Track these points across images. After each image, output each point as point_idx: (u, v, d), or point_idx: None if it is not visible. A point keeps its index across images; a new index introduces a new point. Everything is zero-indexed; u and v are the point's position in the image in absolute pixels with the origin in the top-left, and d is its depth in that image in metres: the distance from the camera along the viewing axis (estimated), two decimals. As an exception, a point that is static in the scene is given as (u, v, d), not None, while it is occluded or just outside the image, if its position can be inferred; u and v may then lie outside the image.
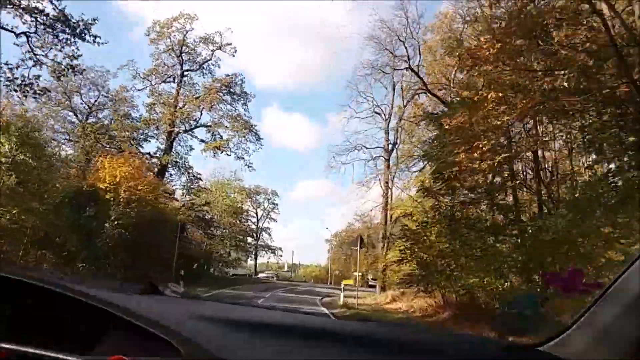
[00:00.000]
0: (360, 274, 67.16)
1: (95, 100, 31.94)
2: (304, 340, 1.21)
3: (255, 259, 68.47)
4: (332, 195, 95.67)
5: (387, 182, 31.52)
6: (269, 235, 67.99)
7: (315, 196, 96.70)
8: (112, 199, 20.70)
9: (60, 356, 0.96)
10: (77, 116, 31.99)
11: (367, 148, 33.81)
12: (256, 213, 68.49)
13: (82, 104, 31.81)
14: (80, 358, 0.98)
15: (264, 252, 67.93)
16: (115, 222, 19.81)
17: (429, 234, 14.30)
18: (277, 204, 69.91)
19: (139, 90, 32.11)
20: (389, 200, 32.38)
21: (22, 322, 1.20)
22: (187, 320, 1.24)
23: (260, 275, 53.68)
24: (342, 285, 20.85)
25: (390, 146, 32.25)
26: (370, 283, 58.70)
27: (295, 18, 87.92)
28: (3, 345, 1.00)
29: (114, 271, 19.70)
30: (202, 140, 30.64)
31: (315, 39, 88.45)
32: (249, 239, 66.91)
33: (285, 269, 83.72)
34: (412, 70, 19.31)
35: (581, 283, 1.21)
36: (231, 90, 31.76)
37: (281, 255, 67.65)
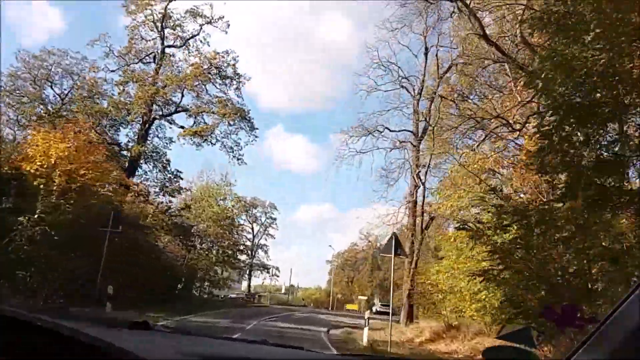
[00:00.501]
0: (365, 298, 60.71)
1: (69, 91, 26.98)
2: None
3: (249, 279, 62.13)
4: (333, 219, 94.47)
5: (417, 174, 23.65)
6: (266, 253, 61.70)
7: (317, 220, 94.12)
8: (41, 186, 14.99)
9: None
10: (47, 108, 26.84)
11: (391, 131, 26.04)
12: (252, 228, 62.40)
13: (55, 96, 26.96)
14: None
15: (259, 271, 61.66)
16: (38, 217, 14.00)
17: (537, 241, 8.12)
18: (275, 219, 63.92)
19: (112, 71, 26.83)
20: (419, 197, 24.33)
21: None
22: (176, 356, 1.22)
23: (231, 295, 46.69)
24: (366, 316, 13.84)
25: (421, 128, 24.66)
26: (378, 309, 52.81)
27: (297, 38, 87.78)
28: None
29: (33, 287, 13.87)
30: (181, 127, 25.03)
31: (319, 60, 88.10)
32: (243, 257, 61.00)
33: (283, 291, 77.31)
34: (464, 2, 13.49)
35: (576, 318, 1.13)
36: (221, 71, 26.40)
37: (278, 276, 61.28)
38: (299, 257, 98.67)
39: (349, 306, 57.23)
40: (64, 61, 26.81)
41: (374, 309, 53.98)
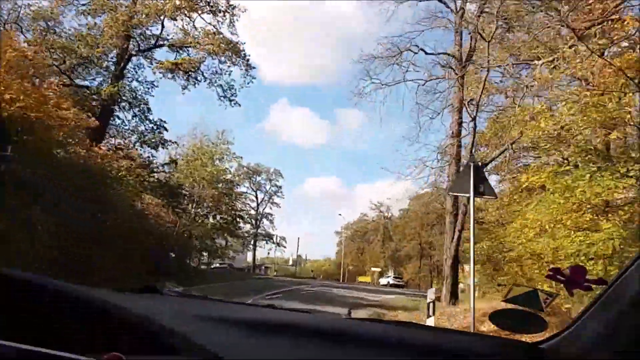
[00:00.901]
0: (378, 269, 56.85)
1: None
2: (308, 338, 1.18)
3: (254, 250, 58.64)
4: (340, 192, 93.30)
5: (467, 103, 17.95)
6: (271, 222, 58.03)
7: (323, 193, 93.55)
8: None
9: (57, 353, 0.93)
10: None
11: (427, 53, 20.04)
12: (256, 196, 58.58)
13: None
14: (75, 356, 0.93)
15: (264, 242, 58.15)
16: None
17: None
18: (280, 187, 59.94)
19: (84, 4, 22.41)
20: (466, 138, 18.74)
21: (15, 320, 1.14)
22: (186, 318, 1.23)
23: (216, 265, 42.88)
24: (429, 299, 8.97)
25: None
26: (392, 282, 49.46)
27: (303, 11, 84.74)
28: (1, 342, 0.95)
29: None
30: (159, 62, 20.59)
31: (324, 34, 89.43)
32: (247, 226, 57.44)
33: (290, 262, 74.16)
34: None
35: (584, 279, 1.11)
36: (211, 3, 21.83)
37: (285, 246, 57.66)
38: (306, 229, 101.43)
39: (361, 278, 53.80)
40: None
41: (384, 280, 51.56)
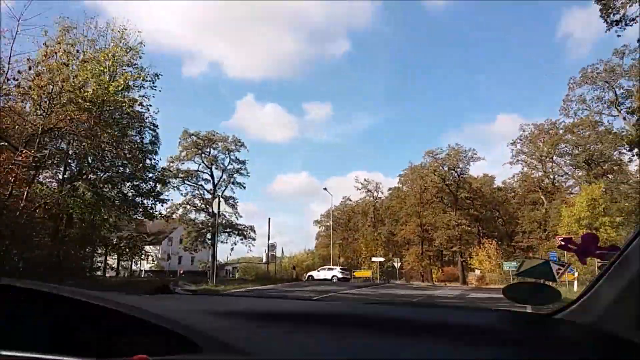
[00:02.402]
0: (381, 259, 43.48)
1: None
2: (328, 327, 1.19)
3: (214, 246, 44.41)
4: (312, 187, 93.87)
5: None
6: (233, 207, 44.09)
7: (295, 188, 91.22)
8: None
9: None
10: None
11: None
12: (211, 174, 44.64)
13: None
14: None
15: (226, 234, 44.01)
16: None
17: None
18: (244, 162, 46.14)
19: None
20: None
21: (39, 330, 1.19)
22: (205, 316, 1.23)
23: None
24: None
25: None
26: (340, 277, 34.69)
27: (269, 6, 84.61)
28: (21, 354, 0.99)
29: None
30: None
31: (291, 29, 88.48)
32: (202, 216, 43.20)
33: (264, 260, 59.59)
34: None
35: (597, 247, 1.11)
36: None
37: (254, 238, 43.71)
38: (281, 226, 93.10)
39: (358, 273, 40.18)
40: None
41: (325, 274, 35.93)
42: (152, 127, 24.87)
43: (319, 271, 36.20)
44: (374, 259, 39.00)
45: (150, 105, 23.53)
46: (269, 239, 34.24)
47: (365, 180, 61.67)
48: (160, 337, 1.04)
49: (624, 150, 36.61)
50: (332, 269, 38.39)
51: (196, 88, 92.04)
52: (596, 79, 37.18)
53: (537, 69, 77.99)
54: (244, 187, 45.68)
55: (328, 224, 75.72)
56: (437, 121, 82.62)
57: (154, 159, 24.23)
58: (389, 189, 67.45)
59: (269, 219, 36.89)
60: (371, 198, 62.55)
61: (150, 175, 22.98)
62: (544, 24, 77.49)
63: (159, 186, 23.93)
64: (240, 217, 45.54)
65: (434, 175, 55.76)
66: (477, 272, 46.60)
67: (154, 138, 24.64)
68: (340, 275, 35.95)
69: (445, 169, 56.43)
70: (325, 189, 41.05)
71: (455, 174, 56.41)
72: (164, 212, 29.37)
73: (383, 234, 57.05)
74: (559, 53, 76.48)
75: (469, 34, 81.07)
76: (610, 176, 38.08)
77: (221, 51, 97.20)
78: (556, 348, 1.06)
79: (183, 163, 42.57)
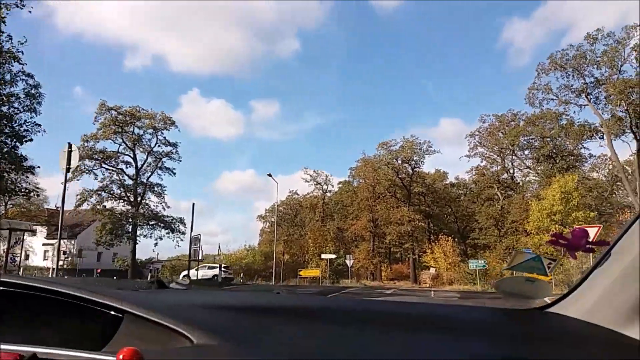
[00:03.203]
0: (333, 255, 37.08)
1: None
2: (319, 321, 1.19)
3: (134, 240, 37.83)
4: (258, 185, 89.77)
5: None
6: (158, 195, 37.65)
7: (241, 186, 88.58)
8: None
9: (71, 353, 0.95)
10: None
11: None
12: (134, 156, 37.95)
13: None
14: (91, 354, 0.96)
15: (150, 227, 37.42)
16: None
17: None
18: (176, 145, 39.82)
19: None
20: None
21: (30, 325, 1.21)
22: (197, 309, 1.23)
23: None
24: None
25: None
26: (224, 275, 30.38)
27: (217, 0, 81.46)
28: (13, 347, 0.99)
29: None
30: None
31: (239, 25, 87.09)
32: (121, 205, 36.45)
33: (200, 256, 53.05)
34: None
35: (587, 242, 1.13)
36: None
37: (183, 233, 37.36)
38: (225, 225, 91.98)
39: (304, 272, 34.89)
40: None
41: (205, 272, 31.45)
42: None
43: (197, 270, 30.82)
44: (323, 255, 34.14)
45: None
46: (191, 231, 28.32)
47: (314, 172, 56.94)
48: (151, 329, 1.04)
49: (589, 143, 33.94)
50: (212, 267, 33.57)
51: (139, 81, 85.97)
52: (566, 66, 34.53)
53: (480, 75, 78.05)
54: (174, 173, 39.46)
55: (273, 219, 70.81)
56: (384, 124, 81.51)
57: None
58: (339, 182, 63.32)
59: (193, 204, 31.15)
60: (320, 191, 57.91)
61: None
62: (487, 32, 77.47)
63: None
64: (168, 207, 39.16)
65: (387, 168, 52.20)
66: (432, 270, 43.14)
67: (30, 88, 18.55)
68: (224, 275, 31.36)
69: (399, 161, 53.10)
70: (269, 174, 35.48)
71: (409, 168, 53.23)
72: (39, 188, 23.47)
73: (332, 229, 52.58)
74: (501, 60, 76.76)
75: (416, 36, 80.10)
76: (574, 170, 35.57)
77: (166, 44, 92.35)
78: (546, 341, 1.05)
79: (98, 142, 35.67)
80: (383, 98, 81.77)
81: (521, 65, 74.38)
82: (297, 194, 63.46)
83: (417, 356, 0.97)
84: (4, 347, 0.97)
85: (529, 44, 75.13)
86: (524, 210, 40.38)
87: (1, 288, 1.19)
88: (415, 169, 53.15)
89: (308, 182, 56.84)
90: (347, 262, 32.89)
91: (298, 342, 1.04)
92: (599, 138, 33.97)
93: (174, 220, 38.31)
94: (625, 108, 28.75)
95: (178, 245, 39.30)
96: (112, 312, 1.11)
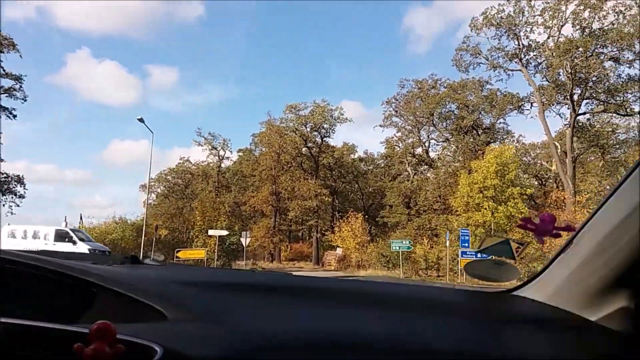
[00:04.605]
0: (224, 232, 29.31)
1: None
2: (295, 299, 1.20)
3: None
4: (153, 157, 74.09)
5: None
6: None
7: (132, 157, 78.37)
8: None
9: (46, 325, 0.95)
10: None
11: None
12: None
13: None
14: (63, 326, 0.95)
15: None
16: None
17: None
18: (20, 79, 29.02)
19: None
20: None
21: (8, 297, 1.19)
22: (172, 285, 1.22)
23: None
24: None
25: None
26: (100, 249, 22.04)
27: None
28: None
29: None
30: None
31: None
32: None
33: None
34: None
35: (554, 227, 1.15)
36: None
37: (22, 197, 27.25)
38: (115, 198, 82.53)
39: (183, 253, 26.54)
40: None
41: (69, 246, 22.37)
42: None
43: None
44: (211, 232, 26.77)
45: None
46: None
47: (210, 134, 48.44)
48: (125, 305, 1.04)
49: (514, 118, 30.42)
50: (84, 239, 24.58)
51: (19, 34, 70.83)
52: (501, 23, 30.52)
53: (382, 60, 75.93)
54: (14, 116, 28.94)
55: (160, 190, 61.03)
56: (288, 100, 75.85)
57: None
58: (239, 149, 55.67)
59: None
60: (216, 157, 49.75)
61: None
62: (390, 16, 74.50)
63: None
64: (2, 160, 28.73)
65: (294, 135, 45.94)
66: (339, 250, 38.02)
67: None
68: (101, 248, 23.36)
69: (308, 129, 47.15)
70: (140, 119, 26.39)
71: (319, 137, 47.57)
72: None
73: (228, 202, 45.13)
74: (401, 46, 74.82)
75: (324, 14, 74.63)
76: (498, 142, 32.09)
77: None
78: (512, 322, 1.09)
79: None
80: (287, 74, 76.41)
81: (420, 52, 73.17)
82: (190, 162, 54.66)
83: (381, 331, 1.01)
84: None
85: (429, 32, 73.82)
86: (441, 187, 36.80)
87: None
88: (325, 138, 47.76)
89: (202, 145, 48.29)
90: (243, 240, 25.99)
91: (273, 319, 1.04)
92: (527, 110, 30.75)
93: (9, 179, 28.16)
94: (570, 71, 25.22)
95: (11, 213, 29.30)
96: (86, 287, 1.09)
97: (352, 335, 0.99)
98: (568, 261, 1.08)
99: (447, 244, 20.38)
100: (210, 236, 27.26)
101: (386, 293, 1.33)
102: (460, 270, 19.53)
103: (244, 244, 25.73)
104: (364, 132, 73.37)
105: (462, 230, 20.19)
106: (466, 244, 19.54)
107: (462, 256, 19.20)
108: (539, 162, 38.83)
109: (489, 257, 1.26)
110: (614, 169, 27.79)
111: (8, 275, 1.15)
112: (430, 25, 71.96)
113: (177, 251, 25.05)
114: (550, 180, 36.15)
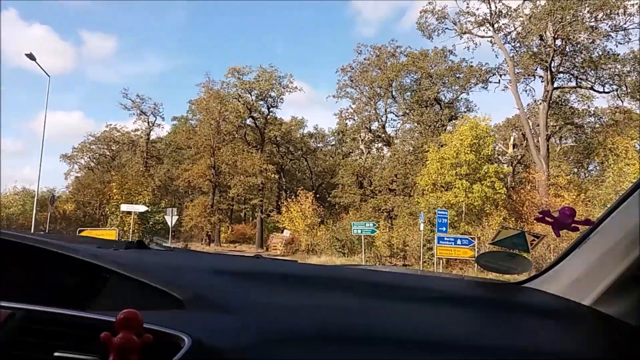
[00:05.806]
0: (139, 209, 23.86)
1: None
2: (309, 288, 1.20)
3: None
4: (86, 130, 78.70)
5: None
6: None
7: (64, 129, 71.23)
8: None
9: (70, 313, 0.93)
10: None
11: None
12: None
13: None
14: (90, 314, 0.93)
15: None
16: None
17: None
18: None
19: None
20: None
21: (20, 281, 1.17)
22: (186, 272, 1.20)
23: None
24: None
25: None
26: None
27: None
28: (4, 304, 0.96)
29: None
30: None
31: None
32: None
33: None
34: None
35: (573, 221, 1.13)
36: None
37: None
38: (51, 173, 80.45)
39: (90, 232, 21.05)
40: None
41: None
42: None
43: None
44: (124, 207, 21.40)
45: None
46: None
47: (138, 96, 42.08)
48: (139, 291, 1.03)
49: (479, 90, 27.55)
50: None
51: None
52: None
53: (331, 41, 73.53)
54: None
55: (83, 160, 53.74)
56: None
57: None
58: (174, 117, 49.69)
59: None
60: (145, 123, 43.59)
61: None
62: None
63: None
64: None
65: (237, 102, 40.88)
66: (286, 232, 34.00)
67: None
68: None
69: (253, 97, 42.23)
70: (28, 55, 20.46)
71: (265, 106, 42.84)
72: None
73: (159, 176, 39.56)
74: (350, 28, 71.97)
75: None
76: (463, 120, 29.01)
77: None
78: (523, 314, 1.07)
79: None
80: (231, 48, 71.05)
81: (365, 34, 70.47)
82: (117, 129, 47.91)
83: (395, 322, 1.00)
84: None
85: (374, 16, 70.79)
86: (400, 165, 33.58)
87: None
88: (272, 109, 43.11)
89: (129, 110, 41.94)
90: (168, 218, 21.13)
91: (289, 311, 1.03)
92: (495, 83, 27.84)
93: None
94: (553, 35, 22.25)
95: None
96: (97, 271, 1.07)
97: (367, 326, 0.97)
98: (585, 255, 1.05)
99: (422, 227, 16.82)
100: (125, 212, 22.09)
101: (397, 284, 1.30)
102: (438, 260, 16.04)
103: (169, 224, 20.90)
104: (312, 114, 70.03)
105: (439, 212, 16.70)
106: (444, 228, 16.05)
107: (438, 242, 15.70)
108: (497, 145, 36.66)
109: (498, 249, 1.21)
110: (588, 152, 25.63)
111: (19, 259, 1.11)
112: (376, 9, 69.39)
113: (80, 230, 19.78)
114: (515, 163, 33.90)
